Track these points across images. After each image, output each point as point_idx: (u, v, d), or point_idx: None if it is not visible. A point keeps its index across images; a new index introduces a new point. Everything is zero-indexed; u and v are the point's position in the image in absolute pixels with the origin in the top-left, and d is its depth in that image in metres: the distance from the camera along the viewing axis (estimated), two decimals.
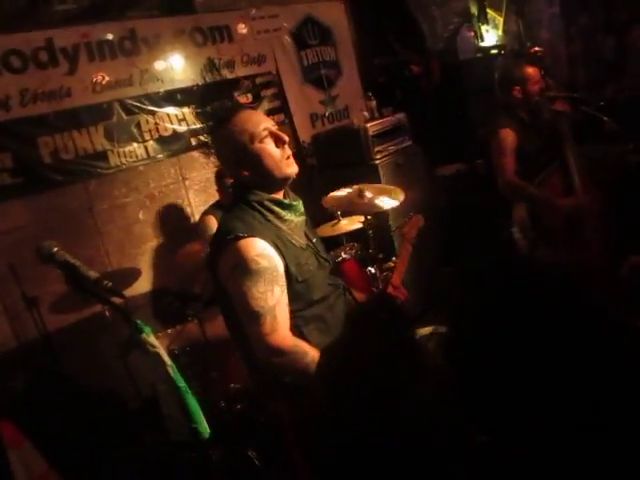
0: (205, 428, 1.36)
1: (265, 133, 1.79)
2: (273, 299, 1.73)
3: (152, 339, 1.30)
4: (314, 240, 2.02)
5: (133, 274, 3.03)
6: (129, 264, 3.61)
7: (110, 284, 1.30)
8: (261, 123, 1.80)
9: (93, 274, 1.30)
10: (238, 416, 2.77)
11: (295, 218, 1.91)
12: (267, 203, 1.85)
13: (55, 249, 1.30)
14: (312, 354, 1.74)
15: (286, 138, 1.83)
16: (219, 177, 3.45)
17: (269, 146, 1.79)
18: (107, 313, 2.89)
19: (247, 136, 1.77)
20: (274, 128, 1.82)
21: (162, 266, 3.73)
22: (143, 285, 3.56)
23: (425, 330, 2.86)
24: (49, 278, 3.30)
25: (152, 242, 3.76)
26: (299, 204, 1.94)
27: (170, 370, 1.32)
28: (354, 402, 0.74)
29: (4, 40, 3.13)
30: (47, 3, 3.30)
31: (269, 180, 1.83)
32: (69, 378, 3.18)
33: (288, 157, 1.83)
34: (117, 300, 1.32)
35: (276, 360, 1.75)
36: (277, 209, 1.86)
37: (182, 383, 1.34)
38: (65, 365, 3.16)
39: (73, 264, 1.30)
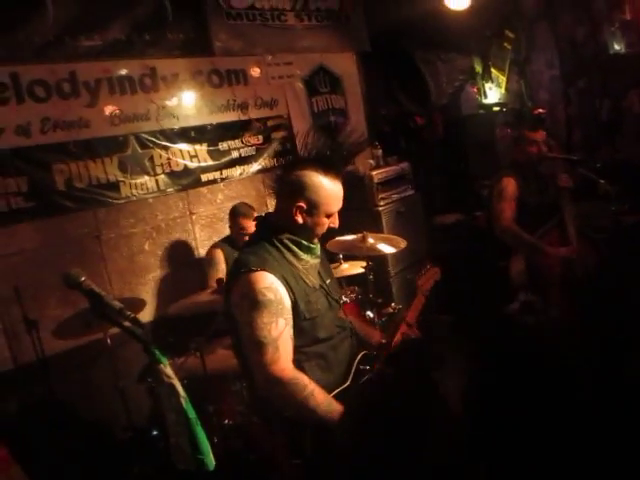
0: (211, 460, 1.40)
1: (336, 212, 2.01)
2: (277, 331, 1.82)
3: (168, 370, 1.35)
4: (328, 281, 2.12)
5: (138, 304, 3.08)
6: (130, 293, 3.66)
7: (132, 315, 1.37)
8: (340, 203, 2.01)
9: (117, 304, 1.37)
10: (230, 453, 2.77)
11: (311, 259, 2.04)
12: (286, 242, 1.98)
13: (82, 278, 1.37)
14: (310, 388, 1.81)
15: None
16: (233, 215, 3.55)
17: (327, 219, 2.00)
18: (108, 341, 2.92)
19: (326, 206, 1.96)
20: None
21: (163, 298, 3.77)
22: (142, 316, 3.59)
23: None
24: (51, 302, 3.36)
25: (155, 273, 3.81)
26: (317, 247, 2.06)
27: (183, 401, 1.36)
28: (378, 436, 0.80)
29: (31, 70, 3.26)
30: (73, 38, 3.44)
31: (302, 233, 2.00)
32: (63, 404, 3.18)
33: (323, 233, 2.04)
34: (137, 330, 1.38)
35: (275, 390, 1.82)
36: (295, 248, 1.99)
37: (193, 415, 1.39)
38: (60, 390, 3.17)
39: (99, 293, 1.36)
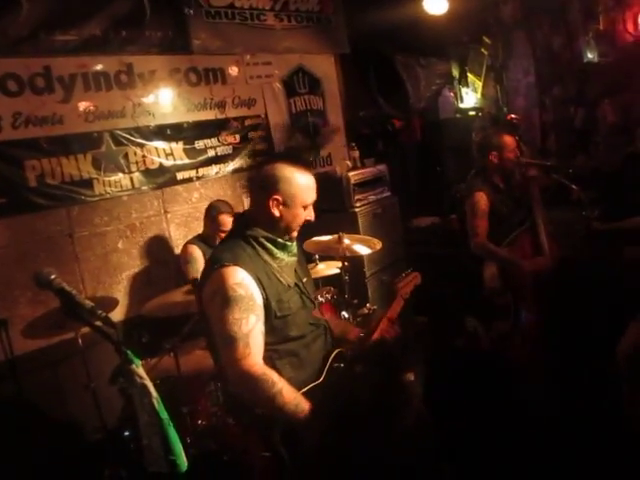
0: (183, 461, 1.39)
1: (311, 203, 2.03)
2: (247, 327, 1.84)
3: (141, 370, 1.34)
4: (304, 280, 2.14)
5: (110, 304, 3.03)
6: (103, 292, 3.60)
7: (104, 314, 1.35)
8: (314, 194, 2.04)
9: (88, 303, 1.35)
10: (203, 453, 2.75)
11: (286, 258, 2.05)
12: (261, 240, 2.00)
13: (53, 276, 1.35)
14: (279, 386, 1.82)
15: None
16: (212, 212, 3.51)
17: (303, 211, 2.02)
18: (79, 341, 2.87)
19: (301, 197, 1.98)
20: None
21: (136, 297, 3.73)
22: (115, 315, 3.54)
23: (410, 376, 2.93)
24: (21, 301, 3.29)
25: (128, 272, 3.76)
26: (293, 245, 2.07)
27: (155, 402, 1.35)
28: (345, 431, 0.81)
29: (3, 64, 3.20)
30: (49, 32, 3.38)
31: (279, 228, 2.01)
32: (32, 404, 3.11)
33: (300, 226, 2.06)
34: (109, 329, 1.36)
35: (244, 386, 1.84)
36: (270, 246, 2.01)
37: (165, 415, 1.38)
38: (29, 390, 3.10)
39: (69, 292, 1.34)
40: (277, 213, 1.97)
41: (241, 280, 1.86)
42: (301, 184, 1.99)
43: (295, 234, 2.06)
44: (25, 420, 3.04)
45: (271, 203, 1.96)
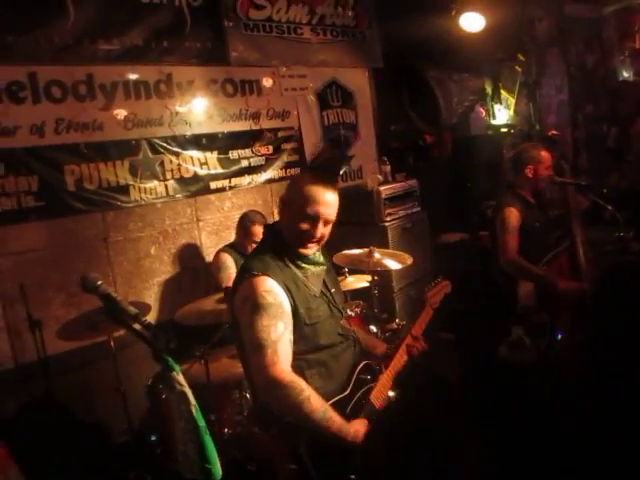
0: (218, 470, 1.40)
1: (312, 216, 1.99)
2: (276, 334, 1.86)
3: (181, 378, 1.36)
4: (332, 290, 2.16)
5: (143, 309, 3.07)
6: (135, 297, 3.66)
7: (148, 320, 1.37)
8: (318, 209, 1.98)
9: (133, 309, 1.38)
10: (229, 462, 2.75)
11: (312, 268, 2.07)
12: (287, 250, 2.03)
13: (99, 282, 1.38)
14: (307, 394, 1.83)
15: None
16: (247, 222, 3.54)
17: (302, 224, 1.99)
18: (112, 344, 2.92)
19: (299, 204, 1.98)
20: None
21: (166, 303, 3.78)
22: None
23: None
24: (55, 302, 3.36)
25: (159, 278, 3.82)
26: (317, 256, 2.08)
27: (193, 409, 1.37)
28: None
29: (49, 71, 3.29)
30: (92, 41, 3.47)
31: (291, 237, 2.04)
32: (62, 405, 3.16)
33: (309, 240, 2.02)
34: (151, 336, 1.38)
35: (272, 393, 1.85)
36: (293, 257, 2.03)
37: (202, 423, 1.39)
38: (60, 391, 3.16)
39: (115, 298, 1.37)
40: (283, 219, 2.05)
41: (270, 288, 1.90)
42: (303, 192, 1.96)
43: (309, 250, 2.02)
44: (54, 419, 3.09)
45: (279, 206, 2.06)
